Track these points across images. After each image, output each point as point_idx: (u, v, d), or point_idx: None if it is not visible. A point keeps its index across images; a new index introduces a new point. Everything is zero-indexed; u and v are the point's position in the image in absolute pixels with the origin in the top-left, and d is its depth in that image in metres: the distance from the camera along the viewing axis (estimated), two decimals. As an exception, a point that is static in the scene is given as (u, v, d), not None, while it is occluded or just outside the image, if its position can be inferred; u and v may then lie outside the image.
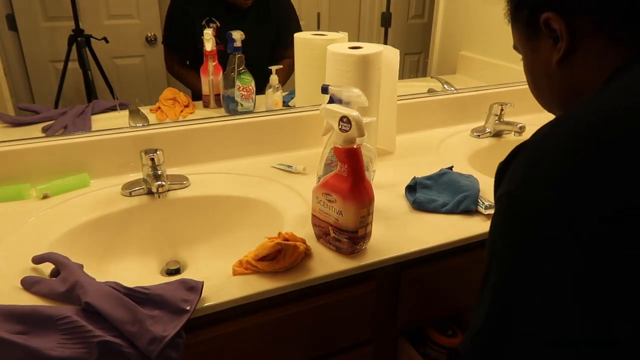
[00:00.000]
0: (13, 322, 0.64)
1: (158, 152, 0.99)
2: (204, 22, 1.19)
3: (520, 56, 0.63)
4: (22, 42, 1.06)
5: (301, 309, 0.81)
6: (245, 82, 1.20)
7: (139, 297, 0.69)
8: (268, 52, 1.32)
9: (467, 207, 0.95)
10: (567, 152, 0.43)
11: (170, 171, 1.08)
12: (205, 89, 1.23)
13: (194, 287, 0.71)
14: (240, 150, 1.19)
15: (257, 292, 0.74)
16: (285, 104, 1.29)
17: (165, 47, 1.20)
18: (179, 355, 0.66)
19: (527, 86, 0.64)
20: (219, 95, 1.23)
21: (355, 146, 0.77)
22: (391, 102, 1.20)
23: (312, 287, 0.79)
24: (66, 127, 1.10)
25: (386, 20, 1.44)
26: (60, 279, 0.72)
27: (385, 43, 1.45)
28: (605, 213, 0.39)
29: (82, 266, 0.75)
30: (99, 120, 1.13)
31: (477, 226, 0.92)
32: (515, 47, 0.63)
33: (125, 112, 1.15)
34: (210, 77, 1.21)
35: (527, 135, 0.90)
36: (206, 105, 1.24)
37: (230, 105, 1.22)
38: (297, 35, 1.23)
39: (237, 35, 1.16)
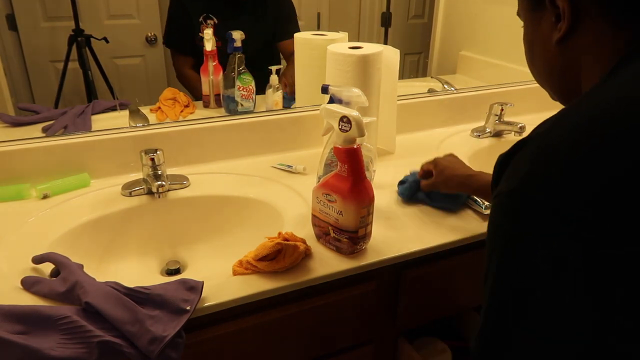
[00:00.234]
0: (13, 322, 0.64)
1: (158, 152, 0.99)
2: (201, 19, 1.19)
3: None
4: (22, 42, 1.06)
5: (301, 309, 0.80)
6: (246, 82, 1.20)
7: (139, 297, 0.69)
8: (267, 48, 1.32)
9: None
10: (569, 146, 0.43)
11: (170, 171, 1.08)
12: (205, 89, 1.23)
13: (194, 287, 0.71)
14: (241, 150, 1.19)
15: (257, 292, 0.74)
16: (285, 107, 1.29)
17: (171, 50, 1.20)
18: (179, 355, 0.66)
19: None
20: (219, 95, 1.23)
21: (355, 146, 0.77)
22: (391, 102, 1.20)
23: (312, 287, 0.79)
24: (66, 127, 1.10)
25: (386, 20, 1.44)
26: (60, 279, 0.72)
27: (385, 43, 1.44)
28: (605, 209, 0.39)
29: (82, 266, 0.75)
30: (99, 120, 1.13)
31: (477, 226, 0.92)
32: (518, 14, 0.62)
33: (126, 112, 1.15)
34: (210, 77, 1.21)
35: (527, 135, 0.90)
36: (206, 105, 1.24)
37: (230, 105, 1.22)
38: (297, 35, 1.23)
39: (237, 35, 1.16)
